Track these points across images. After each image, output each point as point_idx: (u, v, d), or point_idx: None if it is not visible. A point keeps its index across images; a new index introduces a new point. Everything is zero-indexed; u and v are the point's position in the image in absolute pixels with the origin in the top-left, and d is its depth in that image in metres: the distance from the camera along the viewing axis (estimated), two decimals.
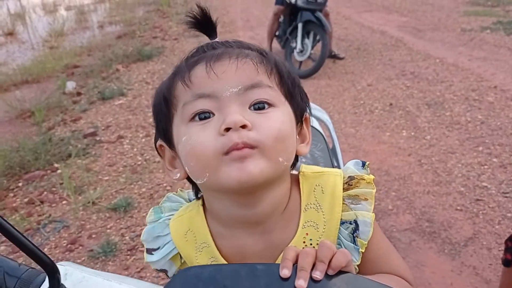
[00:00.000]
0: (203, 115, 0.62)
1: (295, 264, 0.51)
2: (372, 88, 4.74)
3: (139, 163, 3.53)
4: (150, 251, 0.76)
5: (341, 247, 0.70)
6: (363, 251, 0.70)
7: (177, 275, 0.50)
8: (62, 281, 0.48)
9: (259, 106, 0.62)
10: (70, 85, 5.40)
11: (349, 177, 0.72)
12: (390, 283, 0.52)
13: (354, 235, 0.69)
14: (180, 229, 0.74)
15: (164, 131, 0.69)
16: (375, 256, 0.72)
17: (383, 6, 9.29)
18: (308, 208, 0.71)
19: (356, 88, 4.79)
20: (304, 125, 0.73)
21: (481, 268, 2.22)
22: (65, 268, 0.50)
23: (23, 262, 0.56)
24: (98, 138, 3.98)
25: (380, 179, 2.99)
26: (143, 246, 2.42)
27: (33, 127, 4.41)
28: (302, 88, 0.72)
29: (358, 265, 0.72)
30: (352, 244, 0.69)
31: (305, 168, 0.74)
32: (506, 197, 2.70)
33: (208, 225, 0.72)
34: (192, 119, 0.63)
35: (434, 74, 4.98)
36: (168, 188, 3.15)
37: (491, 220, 2.54)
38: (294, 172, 0.75)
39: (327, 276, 0.50)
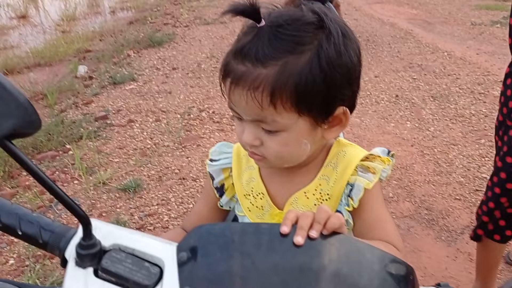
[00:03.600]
0: (238, 117, 0.79)
1: (294, 224, 0.58)
2: (379, 80, 4.79)
3: (149, 146, 3.62)
4: (212, 160, 0.96)
5: (341, 203, 0.84)
6: (349, 209, 0.83)
7: (191, 231, 0.58)
8: (93, 233, 0.57)
9: (267, 130, 0.76)
10: (82, 69, 5.49)
11: (370, 154, 0.86)
12: (377, 246, 0.60)
13: (349, 195, 0.83)
14: (240, 152, 0.94)
15: None
16: (372, 220, 0.83)
17: None
18: (328, 165, 0.86)
19: (363, 79, 4.80)
20: (336, 115, 0.77)
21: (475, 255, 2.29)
22: (94, 223, 0.58)
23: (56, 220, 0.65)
24: (109, 122, 4.08)
25: None
26: (151, 225, 2.52)
27: (45, 109, 4.51)
28: (332, 89, 0.73)
29: (355, 228, 0.85)
30: (345, 202, 0.83)
31: (342, 139, 0.91)
32: None
33: None
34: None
35: (441, 67, 5.02)
36: (177, 171, 3.25)
37: None
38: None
39: (322, 235, 0.57)
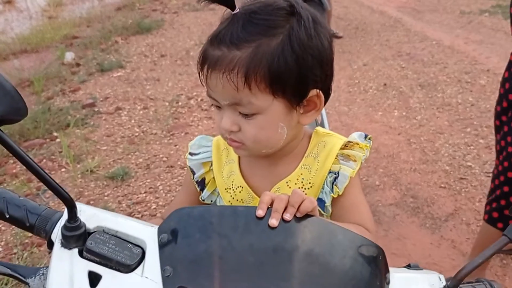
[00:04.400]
0: (217, 105, 0.81)
1: (269, 207, 0.61)
2: (367, 68, 4.81)
3: (137, 134, 3.62)
4: (191, 154, 0.98)
5: (323, 191, 0.87)
6: (335, 196, 0.86)
7: (172, 214, 0.60)
8: (78, 215, 0.58)
9: (244, 114, 0.77)
10: (69, 56, 5.43)
11: (348, 141, 0.89)
12: (349, 228, 0.63)
13: (334, 183, 0.85)
14: (220, 145, 0.96)
15: None
16: (348, 205, 0.87)
17: None
18: (309, 156, 0.89)
19: (352, 68, 4.86)
20: (310, 98, 0.80)
21: (459, 242, 2.35)
22: (79, 206, 0.60)
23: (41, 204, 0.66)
24: (96, 109, 4.06)
25: (369, 156, 3.08)
26: (139, 213, 2.52)
27: (32, 96, 4.46)
28: (305, 71, 0.76)
29: (332, 213, 0.88)
30: (329, 189, 0.86)
31: (320, 128, 0.93)
32: (488, 176, 2.82)
33: None
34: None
35: (430, 56, 5.05)
36: (165, 159, 3.26)
37: (472, 198, 2.66)
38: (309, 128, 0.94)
39: (296, 218, 0.61)
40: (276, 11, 0.76)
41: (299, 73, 0.75)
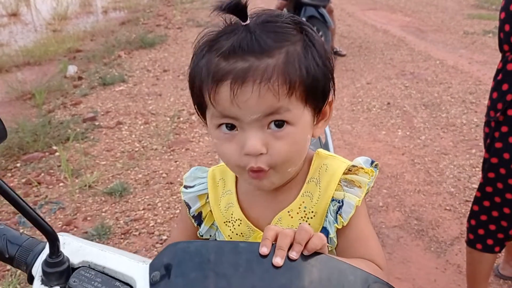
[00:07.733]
0: (230, 125, 0.72)
1: (274, 243, 0.55)
2: (371, 87, 4.78)
3: (137, 149, 3.57)
4: (186, 187, 0.91)
5: (326, 219, 0.80)
6: (339, 227, 0.79)
7: (166, 249, 0.54)
8: (61, 249, 0.53)
9: (278, 123, 0.70)
10: (72, 69, 5.43)
11: (352, 165, 0.82)
12: (360, 265, 0.57)
13: (338, 212, 0.78)
14: (216, 176, 0.90)
15: (198, 106, 0.77)
16: (355, 237, 0.79)
17: (387, 5, 9.31)
18: (310, 181, 0.82)
19: (355, 86, 4.83)
20: (324, 107, 0.78)
21: (465, 267, 2.27)
22: (63, 238, 0.55)
23: (24, 232, 0.61)
24: (97, 123, 4.02)
25: None
26: (136, 230, 2.45)
27: (33, 109, 4.44)
28: (328, 75, 0.75)
29: (337, 245, 0.81)
30: (333, 219, 0.79)
31: (321, 150, 0.86)
32: None
33: (236, 177, 0.87)
34: (220, 126, 0.73)
35: (434, 76, 5.02)
36: (164, 175, 3.20)
37: None
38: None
39: (303, 256, 0.55)
40: (287, 19, 0.73)
41: (325, 76, 0.74)
